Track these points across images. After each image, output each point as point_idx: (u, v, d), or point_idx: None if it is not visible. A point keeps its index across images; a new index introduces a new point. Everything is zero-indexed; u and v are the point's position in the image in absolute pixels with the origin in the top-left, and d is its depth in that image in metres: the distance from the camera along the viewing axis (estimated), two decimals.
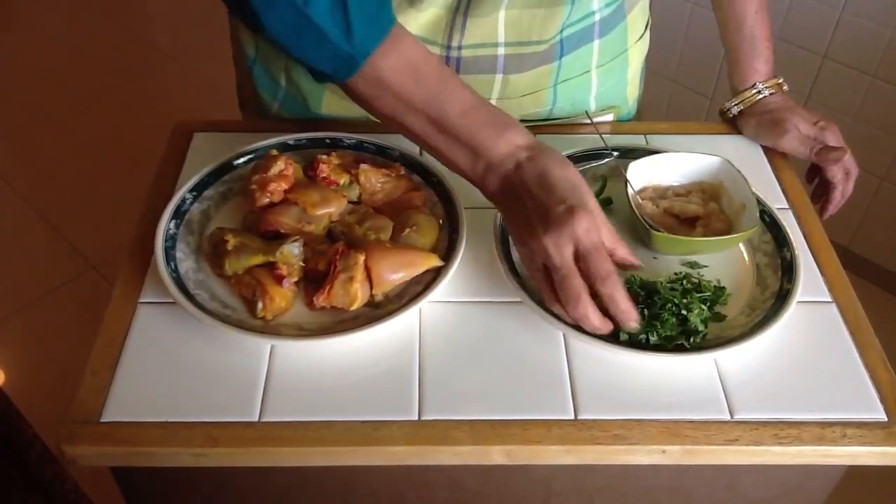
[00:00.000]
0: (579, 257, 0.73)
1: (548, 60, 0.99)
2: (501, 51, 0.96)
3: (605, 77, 1.05)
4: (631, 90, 1.11)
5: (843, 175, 1.04)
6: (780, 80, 1.06)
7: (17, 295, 2.19)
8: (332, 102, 1.03)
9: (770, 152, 1.05)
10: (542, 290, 0.77)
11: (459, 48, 0.95)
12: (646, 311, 0.80)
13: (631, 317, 0.74)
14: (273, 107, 1.08)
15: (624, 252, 0.77)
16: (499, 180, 0.78)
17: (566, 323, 0.78)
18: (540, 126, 1.06)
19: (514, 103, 1.01)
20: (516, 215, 0.77)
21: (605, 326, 0.74)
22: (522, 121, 0.98)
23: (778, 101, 1.05)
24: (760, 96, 1.05)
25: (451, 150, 0.79)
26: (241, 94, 1.17)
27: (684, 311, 0.80)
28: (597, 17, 0.99)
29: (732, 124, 1.09)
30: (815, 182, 1.06)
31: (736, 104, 1.07)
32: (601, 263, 0.73)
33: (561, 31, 0.96)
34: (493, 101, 1.00)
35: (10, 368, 2.04)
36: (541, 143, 0.79)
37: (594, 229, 0.73)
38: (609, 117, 1.10)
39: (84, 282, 2.23)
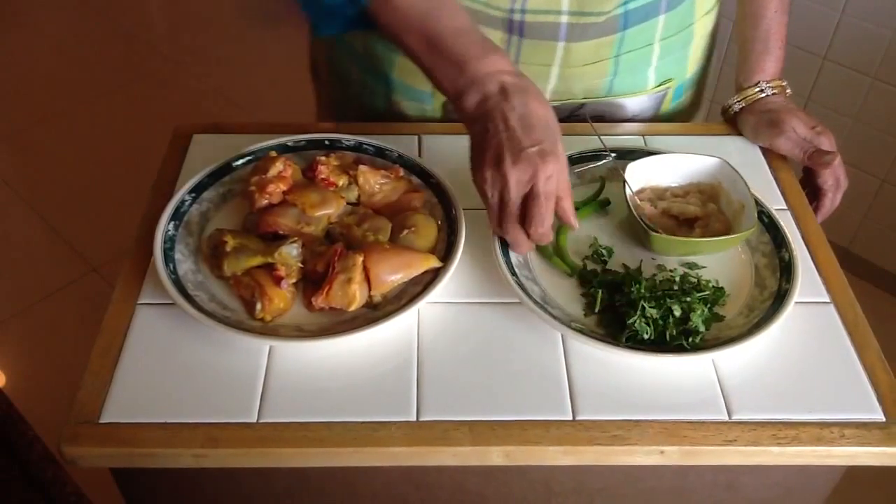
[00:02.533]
0: (530, 196, 0.78)
1: (610, 31, 0.99)
2: (564, 19, 0.96)
3: (666, 49, 1.05)
4: (692, 63, 1.11)
5: (834, 182, 1.03)
6: (784, 83, 1.07)
7: (18, 297, 2.19)
8: (404, 65, 1.03)
9: (769, 153, 1.05)
10: (491, 211, 0.81)
11: (523, 12, 0.96)
12: (650, 310, 0.80)
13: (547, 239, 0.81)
14: (352, 71, 1.10)
15: (569, 205, 0.81)
16: (478, 99, 0.80)
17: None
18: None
19: (577, 72, 1.02)
20: (486, 138, 0.79)
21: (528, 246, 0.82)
22: (585, 97, 1.04)
23: (779, 103, 1.05)
24: (763, 95, 1.05)
25: (440, 65, 0.82)
26: (312, 58, 1.20)
27: (686, 311, 0.80)
28: None
29: (733, 122, 1.09)
30: (807, 190, 1.06)
31: (738, 101, 1.07)
32: (546, 213, 0.79)
33: (625, 4, 0.97)
34: (555, 69, 1.01)
35: (11, 370, 2.04)
36: (523, 73, 0.82)
37: (554, 179, 0.78)
38: (663, 93, 1.10)
39: (85, 284, 2.24)
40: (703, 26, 1.08)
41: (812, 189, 1.05)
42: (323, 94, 1.22)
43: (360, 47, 1.07)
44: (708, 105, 1.24)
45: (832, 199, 1.04)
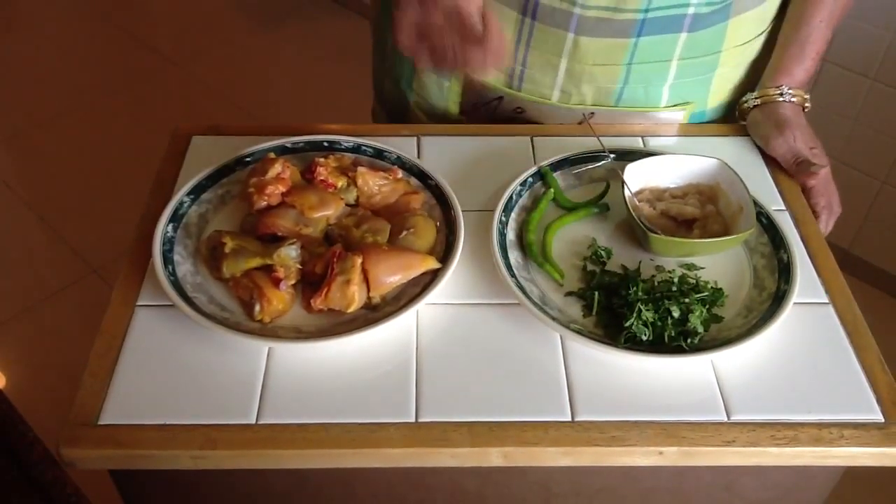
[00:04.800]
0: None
1: (623, 34, 0.97)
2: (578, 10, 0.95)
3: (685, 71, 1.03)
4: (717, 92, 1.08)
5: (826, 204, 1.01)
6: (807, 96, 1.04)
7: (18, 298, 2.19)
8: None
9: (767, 154, 1.05)
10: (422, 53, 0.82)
11: None
12: (646, 312, 0.80)
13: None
14: (388, 38, 1.11)
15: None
16: None
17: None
18: (540, 126, 1.06)
19: (586, 69, 1.01)
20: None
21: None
22: (594, 103, 1.04)
23: (792, 112, 1.03)
24: (781, 98, 1.03)
25: None
26: (373, 27, 1.21)
27: (685, 312, 0.80)
28: (690, 11, 0.96)
29: (744, 117, 1.07)
30: None
31: (755, 98, 1.05)
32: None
33: (645, 11, 0.95)
34: (564, 62, 1.00)
35: (11, 371, 2.05)
36: None
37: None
38: (679, 115, 1.07)
39: (85, 285, 2.24)
40: (734, 56, 1.05)
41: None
42: (374, 68, 1.23)
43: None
44: None
45: (825, 223, 1.01)
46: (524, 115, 1.07)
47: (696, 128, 1.10)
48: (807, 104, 1.05)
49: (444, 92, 1.09)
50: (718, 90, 1.08)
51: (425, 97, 1.11)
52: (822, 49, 1.05)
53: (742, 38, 1.04)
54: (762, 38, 1.07)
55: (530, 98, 1.05)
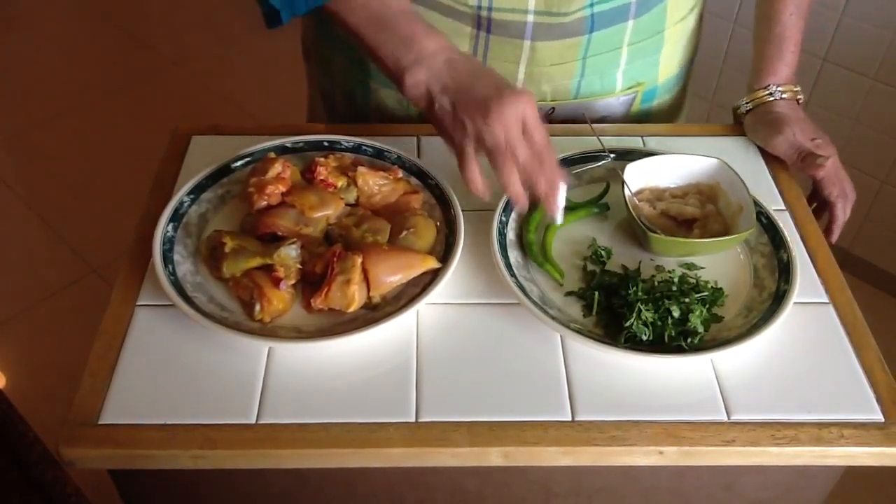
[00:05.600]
0: (525, 131, 0.79)
1: (577, 33, 1.00)
2: (530, 18, 0.97)
3: (635, 55, 1.05)
4: (665, 69, 1.10)
5: (839, 192, 1.01)
6: (798, 89, 1.05)
7: (18, 298, 2.19)
8: None
9: (767, 154, 1.05)
10: (469, 164, 0.81)
11: (490, 9, 0.96)
12: (645, 312, 0.80)
13: (556, 205, 0.82)
14: (336, 58, 1.12)
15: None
16: (426, 74, 0.81)
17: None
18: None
19: (544, 71, 1.02)
20: (457, 103, 0.80)
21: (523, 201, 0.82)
22: (553, 99, 1.05)
23: (787, 108, 1.04)
24: (771, 98, 1.04)
25: (386, 44, 0.83)
26: (304, 43, 1.21)
27: (685, 312, 0.80)
28: None
29: (741, 123, 1.08)
30: (814, 205, 1.05)
31: (746, 102, 1.06)
32: (544, 136, 0.80)
33: (591, 6, 0.97)
34: (522, 67, 1.02)
35: (11, 371, 2.05)
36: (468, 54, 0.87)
37: (534, 106, 0.79)
38: (632, 96, 1.09)
39: (85, 285, 2.24)
40: (675, 33, 1.08)
41: (820, 203, 1.04)
42: (313, 80, 1.23)
43: (341, 32, 1.08)
44: (708, 108, 1.24)
45: (843, 210, 1.02)
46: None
47: (696, 128, 1.10)
48: (799, 97, 1.06)
49: (405, 107, 1.09)
50: (665, 67, 1.11)
51: (384, 109, 1.11)
52: (799, 39, 1.06)
53: (680, 15, 1.07)
54: (696, 12, 1.10)
55: None
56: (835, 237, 1.03)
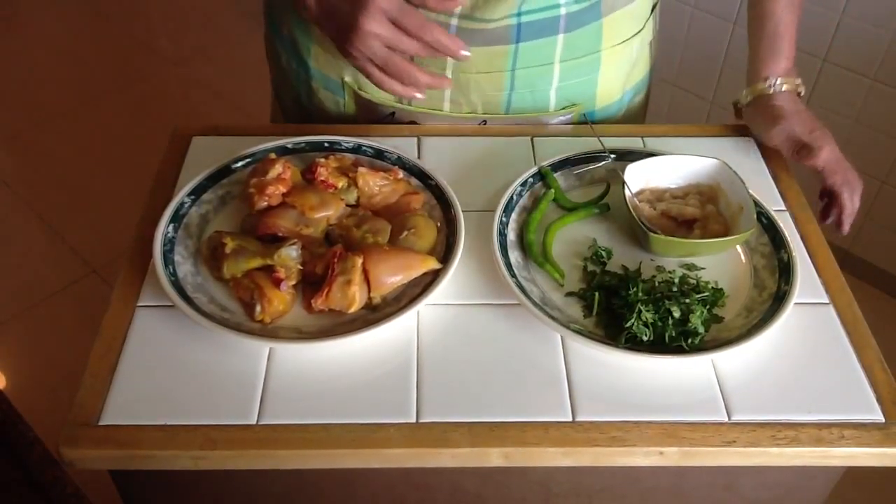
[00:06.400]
0: (395, 24, 0.81)
1: (502, 41, 0.99)
2: (454, 21, 0.97)
3: (569, 73, 1.04)
4: (604, 92, 1.09)
5: (842, 181, 0.99)
6: (798, 81, 1.04)
7: (18, 298, 2.19)
8: (318, 53, 1.06)
9: (767, 154, 1.05)
10: (376, 77, 0.84)
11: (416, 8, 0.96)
12: (646, 313, 0.80)
13: (459, 44, 0.83)
14: (283, 56, 1.12)
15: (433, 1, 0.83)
16: None
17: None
18: (532, 124, 1.07)
19: (472, 78, 1.02)
20: (332, 22, 0.84)
21: (438, 81, 0.85)
22: (485, 112, 1.05)
23: (786, 100, 1.03)
24: (771, 90, 1.03)
25: None
26: (266, 42, 1.21)
27: (685, 313, 0.80)
28: (562, 11, 0.98)
29: (741, 117, 1.07)
30: (825, 201, 1.03)
31: (747, 95, 1.05)
32: (413, 18, 0.81)
33: (518, 15, 0.97)
34: (449, 69, 1.01)
35: (11, 371, 2.05)
36: None
37: None
38: (568, 117, 1.08)
39: (85, 285, 2.24)
40: (614, 55, 1.06)
41: (827, 195, 1.02)
42: (273, 82, 1.24)
43: (286, 32, 1.09)
44: (708, 108, 1.23)
45: (849, 199, 0.99)
46: (420, 127, 1.08)
47: (696, 128, 1.10)
48: (800, 89, 1.04)
49: (341, 108, 1.09)
50: (605, 92, 1.09)
51: (323, 112, 1.11)
52: (794, 34, 1.04)
53: (619, 38, 1.05)
54: (639, 38, 1.08)
55: (422, 110, 1.06)
56: (846, 228, 1.00)
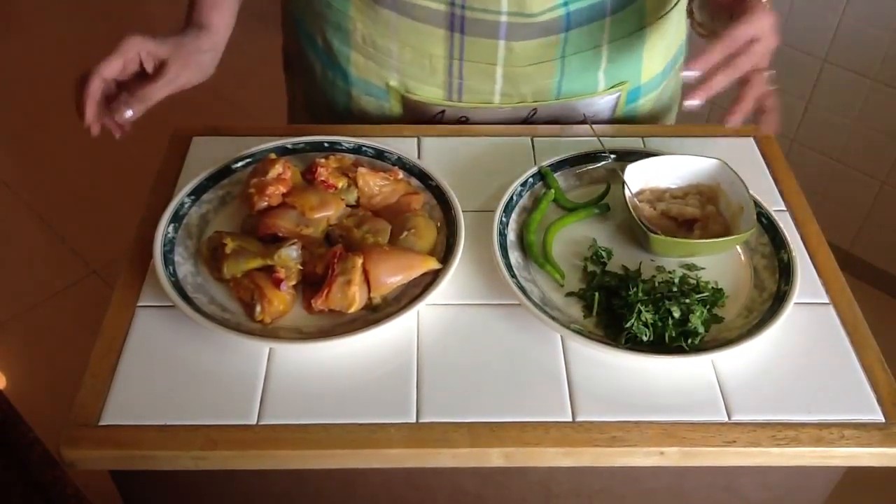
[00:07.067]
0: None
1: (552, 32, 0.99)
2: (503, 18, 0.97)
3: (616, 53, 1.05)
4: (649, 67, 1.09)
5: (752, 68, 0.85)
6: None
7: (19, 299, 2.19)
8: (358, 60, 1.06)
9: (767, 154, 1.05)
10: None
11: (462, 7, 0.96)
12: (645, 313, 0.80)
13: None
14: (317, 66, 1.12)
15: None
16: None
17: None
18: (537, 125, 1.06)
19: (522, 72, 1.02)
20: None
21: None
22: (535, 100, 1.04)
23: None
24: None
25: None
26: (286, 54, 1.23)
27: (685, 313, 0.80)
28: None
29: (699, 28, 1.02)
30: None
31: None
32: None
33: (566, 5, 0.97)
34: (500, 69, 1.02)
35: (11, 372, 2.05)
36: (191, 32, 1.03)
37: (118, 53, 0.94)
38: (616, 96, 1.08)
39: (85, 286, 2.24)
40: (657, 30, 1.06)
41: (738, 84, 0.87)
42: (296, 91, 1.24)
43: (320, 41, 1.09)
44: (708, 108, 1.22)
45: (754, 87, 0.85)
46: (468, 123, 1.08)
47: (696, 128, 1.10)
48: None
49: (385, 112, 1.09)
50: (649, 65, 1.09)
51: (366, 116, 1.11)
52: None
53: (661, 9, 1.05)
54: (678, 9, 1.09)
55: (472, 106, 1.06)
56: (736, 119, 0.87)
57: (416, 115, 1.08)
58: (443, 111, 1.07)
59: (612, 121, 1.11)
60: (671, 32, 1.10)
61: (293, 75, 1.23)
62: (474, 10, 0.96)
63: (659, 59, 1.11)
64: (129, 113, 0.94)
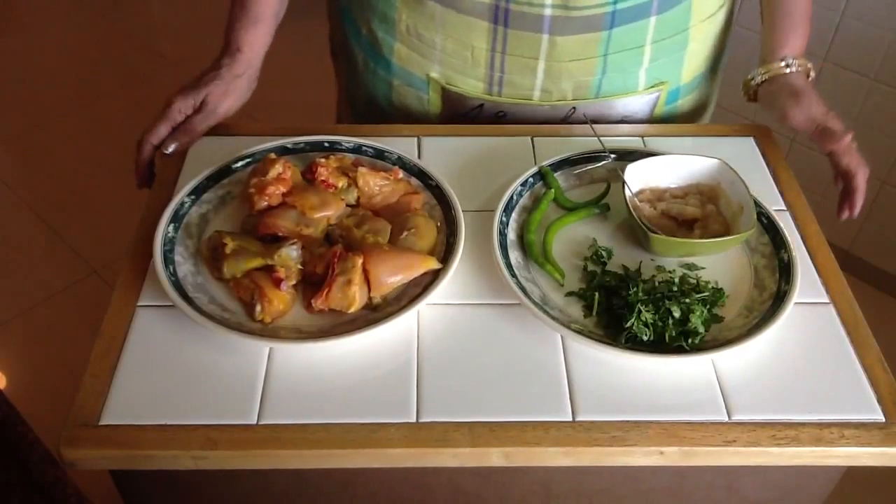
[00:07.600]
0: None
1: (596, 28, 0.99)
2: (548, 11, 0.97)
3: (659, 53, 1.05)
4: (690, 68, 1.09)
5: (858, 163, 0.99)
6: (810, 66, 1.04)
7: (19, 298, 2.19)
8: (401, 51, 1.06)
9: (767, 154, 1.05)
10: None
11: (507, 0, 0.96)
12: (646, 313, 0.80)
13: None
14: (359, 56, 1.13)
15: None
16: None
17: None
18: (540, 127, 1.06)
19: (563, 67, 1.02)
20: None
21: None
22: (574, 97, 1.06)
23: (802, 81, 1.03)
24: (788, 70, 1.03)
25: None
26: (332, 42, 1.24)
27: (686, 312, 0.80)
28: None
29: (752, 98, 1.07)
30: (841, 186, 1.02)
31: (762, 74, 1.05)
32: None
33: (614, 3, 0.97)
34: (542, 63, 1.02)
35: (11, 371, 2.04)
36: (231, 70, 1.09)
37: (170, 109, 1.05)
38: (656, 95, 1.09)
39: (85, 286, 2.24)
40: (701, 31, 1.07)
41: (841, 176, 1.01)
42: (340, 79, 1.25)
43: (364, 30, 1.09)
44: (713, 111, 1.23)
45: (863, 180, 0.99)
46: (506, 118, 1.08)
47: (696, 128, 1.10)
48: (811, 72, 1.05)
49: (424, 104, 1.10)
50: (690, 66, 1.10)
51: (404, 110, 1.12)
52: (809, 9, 1.05)
53: (707, 12, 1.06)
54: (725, 9, 1.09)
55: (512, 101, 1.06)
56: (857, 208, 1.00)
57: (454, 109, 1.08)
58: (481, 105, 1.07)
59: (650, 121, 1.11)
60: (716, 34, 1.10)
61: (338, 64, 1.24)
62: (519, 3, 0.97)
63: (701, 60, 1.11)
64: (172, 147, 0.99)
